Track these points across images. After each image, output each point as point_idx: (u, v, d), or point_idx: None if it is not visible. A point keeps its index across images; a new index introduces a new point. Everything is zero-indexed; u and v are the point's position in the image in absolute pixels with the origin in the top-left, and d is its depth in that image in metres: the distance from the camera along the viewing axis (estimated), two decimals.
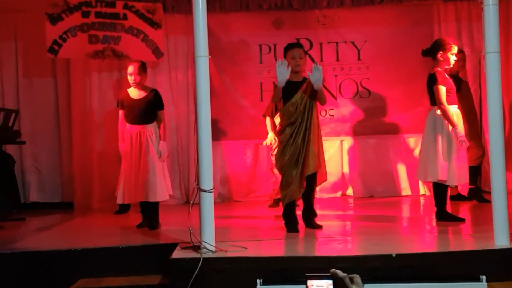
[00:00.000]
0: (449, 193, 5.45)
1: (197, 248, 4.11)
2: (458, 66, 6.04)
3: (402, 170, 7.61)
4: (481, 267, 3.87)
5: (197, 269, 3.84)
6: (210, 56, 4.20)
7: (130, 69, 5.59)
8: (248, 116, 7.60)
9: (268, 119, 6.63)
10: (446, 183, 5.13)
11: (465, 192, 6.59)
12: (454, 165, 5.04)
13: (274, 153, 6.08)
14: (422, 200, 7.25)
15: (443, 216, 5.20)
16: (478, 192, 6.51)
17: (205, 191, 4.13)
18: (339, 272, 1.68)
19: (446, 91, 5.12)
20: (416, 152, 7.42)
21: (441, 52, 5.20)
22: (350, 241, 4.74)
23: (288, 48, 5.17)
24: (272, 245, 4.58)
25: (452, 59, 5.24)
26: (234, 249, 4.16)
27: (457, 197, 6.54)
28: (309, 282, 1.74)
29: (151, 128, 5.58)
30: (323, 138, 5.38)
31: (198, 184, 4.17)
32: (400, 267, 3.89)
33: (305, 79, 5.10)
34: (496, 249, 4.03)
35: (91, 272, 4.41)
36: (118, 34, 6.56)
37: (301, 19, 7.66)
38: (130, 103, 5.63)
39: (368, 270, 3.81)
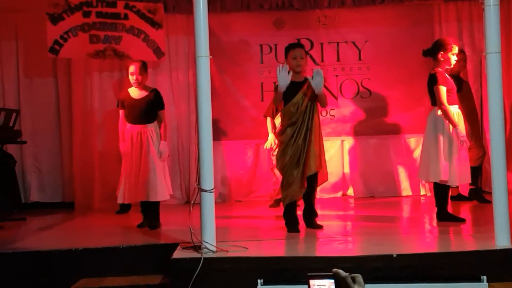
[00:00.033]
0: (449, 194, 5.45)
1: (198, 248, 4.11)
2: (459, 66, 6.04)
3: (402, 170, 7.60)
4: (482, 268, 3.87)
5: (198, 269, 3.84)
6: (211, 56, 4.20)
7: (132, 68, 5.59)
8: (249, 116, 7.60)
9: (268, 120, 6.63)
10: (448, 184, 5.13)
11: (465, 193, 6.59)
12: (455, 165, 5.04)
13: (275, 153, 6.09)
14: (422, 200, 7.25)
15: (443, 216, 5.20)
16: (479, 193, 6.51)
17: (206, 191, 4.14)
18: (341, 271, 1.67)
19: (447, 91, 5.12)
20: (417, 152, 7.43)
21: (441, 52, 5.20)
22: (351, 241, 4.74)
23: (289, 48, 5.16)
24: (273, 245, 4.58)
25: (453, 59, 5.24)
26: (235, 249, 4.16)
27: (458, 198, 6.54)
28: (311, 282, 1.73)
29: (151, 127, 5.58)
30: (324, 138, 5.38)
31: (198, 184, 4.17)
32: (401, 267, 3.89)
33: (306, 79, 5.10)
34: (497, 250, 4.02)
35: (92, 272, 4.41)
36: (119, 34, 6.56)
37: (302, 19, 7.66)
38: (131, 103, 5.63)
39: (369, 270, 3.81)
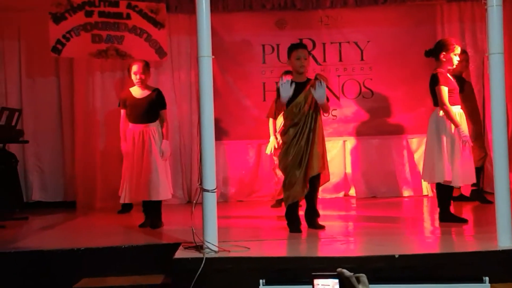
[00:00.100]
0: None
1: (199, 248, 4.11)
2: (461, 67, 6.04)
3: (404, 171, 7.60)
4: (484, 268, 3.86)
5: (200, 269, 3.84)
6: (213, 56, 4.20)
7: (135, 68, 5.60)
8: (251, 116, 7.60)
9: (271, 121, 6.64)
10: (451, 184, 5.12)
11: (467, 193, 6.58)
12: (459, 166, 5.03)
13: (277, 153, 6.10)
14: (424, 200, 7.24)
15: (446, 217, 5.19)
16: (481, 193, 6.51)
17: (208, 191, 4.13)
18: (345, 271, 1.67)
19: (449, 92, 5.12)
20: (419, 153, 7.43)
21: (444, 53, 5.20)
22: (352, 241, 4.74)
23: (292, 48, 5.16)
24: (275, 245, 4.58)
25: (455, 59, 5.23)
26: (237, 249, 4.16)
27: (460, 198, 6.53)
28: (316, 281, 1.73)
29: (153, 127, 5.58)
30: (326, 139, 5.38)
31: (201, 184, 4.17)
32: (403, 267, 3.88)
33: (308, 79, 5.10)
34: (499, 250, 4.01)
35: (93, 271, 4.41)
36: (122, 33, 6.56)
37: (304, 19, 7.66)
38: (133, 102, 5.64)
39: (371, 271, 3.79)
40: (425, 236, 4.99)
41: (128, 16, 6.62)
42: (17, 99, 7.54)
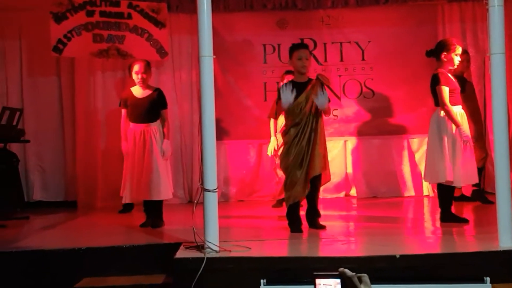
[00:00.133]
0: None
1: (201, 247, 4.11)
2: (462, 67, 6.04)
3: (405, 171, 7.60)
4: (485, 269, 3.86)
5: (201, 269, 3.84)
6: (214, 56, 4.20)
7: (136, 67, 5.61)
8: (252, 116, 7.61)
9: (272, 122, 6.65)
10: (453, 184, 5.12)
11: (468, 193, 6.58)
12: (460, 166, 5.03)
13: (279, 153, 6.10)
14: (425, 201, 7.24)
15: (447, 217, 5.19)
16: (482, 193, 6.51)
17: (209, 191, 4.13)
18: (347, 271, 1.68)
19: (450, 92, 5.12)
20: (420, 153, 7.43)
21: (445, 53, 5.20)
22: (353, 241, 4.74)
23: (294, 48, 5.16)
24: (276, 245, 4.58)
25: (456, 59, 5.23)
26: (238, 249, 4.16)
27: (461, 198, 6.53)
28: (317, 281, 1.74)
29: (155, 126, 5.59)
30: (327, 139, 5.38)
31: (202, 184, 4.17)
32: (404, 268, 3.89)
33: (310, 79, 5.10)
34: (500, 251, 4.01)
35: (94, 271, 4.41)
36: (123, 33, 6.56)
37: (305, 19, 7.66)
38: (134, 102, 5.64)
39: (372, 271, 3.77)
40: (426, 236, 4.99)
41: (129, 16, 6.62)
42: (18, 99, 7.55)
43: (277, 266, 3.95)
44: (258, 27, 7.71)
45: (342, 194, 7.70)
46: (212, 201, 4.15)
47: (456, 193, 6.33)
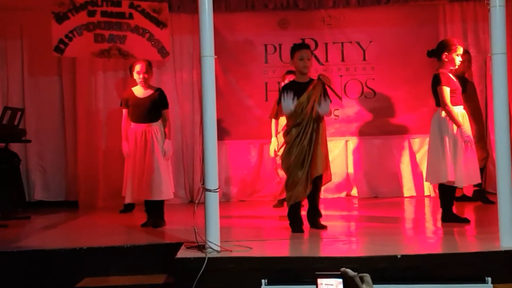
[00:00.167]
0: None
1: (202, 247, 4.11)
2: (463, 67, 6.03)
3: (406, 171, 7.60)
4: (487, 269, 3.86)
5: (202, 269, 3.84)
6: (216, 56, 4.20)
7: (138, 67, 5.61)
8: (253, 116, 7.61)
9: (273, 122, 6.65)
10: (454, 184, 5.11)
11: (469, 193, 6.58)
12: (462, 166, 5.02)
13: (279, 153, 6.11)
14: (426, 201, 7.24)
15: (448, 217, 5.19)
16: (483, 194, 6.50)
17: (210, 191, 4.13)
18: (349, 271, 1.68)
19: (451, 92, 5.11)
20: (421, 153, 7.43)
21: (446, 53, 5.19)
22: (355, 241, 4.74)
23: (295, 49, 5.15)
24: (277, 245, 4.58)
25: (457, 60, 5.23)
26: (239, 249, 4.16)
27: (462, 198, 6.52)
28: (319, 281, 1.74)
29: (156, 126, 5.59)
30: (328, 139, 5.38)
31: (203, 184, 4.17)
32: (405, 268, 3.88)
33: (311, 80, 5.10)
34: (501, 251, 4.00)
35: (96, 271, 4.41)
36: (124, 33, 6.57)
37: (307, 19, 7.66)
38: (135, 102, 5.65)
39: (373, 271, 3.76)
40: (427, 236, 4.98)
41: (131, 16, 6.63)
42: (20, 99, 7.56)
43: (278, 266, 3.94)
44: (259, 27, 7.71)
45: (343, 194, 7.70)
46: (213, 201, 4.15)
47: (457, 193, 6.33)
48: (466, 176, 5.08)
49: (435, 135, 5.16)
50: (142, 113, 5.59)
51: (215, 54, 4.19)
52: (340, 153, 7.69)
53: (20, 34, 7.57)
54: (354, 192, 7.71)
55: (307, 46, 5.33)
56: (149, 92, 5.66)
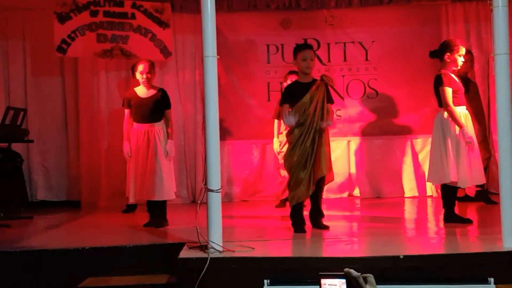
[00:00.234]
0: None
1: (204, 248, 4.11)
2: (466, 67, 6.02)
3: (409, 171, 7.60)
4: (489, 269, 3.85)
5: (204, 269, 3.84)
6: (218, 57, 4.20)
7: (141, 67, 5.61)
8: (255, 116, 7.62)
9: (276, 122, 6.66)
10: (457, 185, 5.11)
11: (472, 194, 6.57)
12: (466, 167, 5.01)
13: (283, 149, 6.11)
14: (429, 201, 7.23)
15: (450, 217, 5.19)
16: (485, 194, 6.50)
17: (212, 191, 4.14)
18: (353, 271, 1.68)
19: (454, 92, 5.11)
20: (423, 153, 7.42)
21: (448, 54, 5.19)
22: (357, 242, 4.73)
23: (298, 49, 5.15)
24: (279, 245, 4.57)
25: (460, 60, 5.22)
26: (241, 249, 4.16)
27: (464, 199, 6.52)
28: (323, 281, 1.74)
29: (159, 126, 5.59)
30: (330, 139, 5.38)
31: (205, 184, 4.17)
32: (407, 268, 3.88)
33: (314, 80, 5.10)
34: (504, 252, 4.00)
35: (98, 270, 4.42)
36: (127, 33, 6.58)
37: (309, 19, 7.66)
38: (138, 102, 5.65)
39: (375, 271, 3.78)
40: (430, 237, 4.99)
41: (133, 16, 6.64)
42: (22, 99, 7.56)
43: (281, 267, 3.95)
44: (262, 27, 7.72)
45: (345, 194, 7.70)
46: (215, 201, 4.15)
47: (460, 194, 6.33)
48: (469, 177, 5.07)
49: (438, 136, 5.15)
50: (145, 113, 5.59)
51: (217, 54, 4.19)
52: (342, 153, 7.68)
53: (22, 34, 7.58)
54: (356, 192, 7.71)
55: (310, 47, 5.33)
56: (152, 92, 5.67)
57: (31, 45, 7.55)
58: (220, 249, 4.09)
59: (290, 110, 5.01)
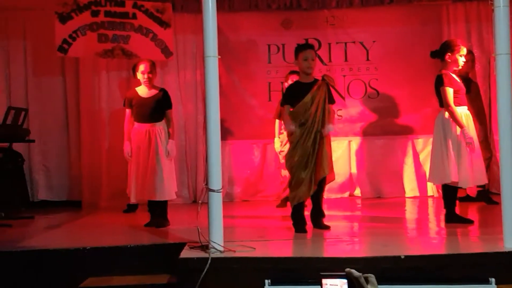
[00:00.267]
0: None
1: (205, 247, 4.11)
2: (467, 67, 6.01)
3: (410, 171, 7.59)
4: (490, 270, 3.85)
5: (205, 269, 3.84)
6: (219, 57, 4.20)
7: (142, 67, 5.61)
8: (256, 116, 7.61)
9: (277, 122, 6.66)
10: (458, 185, 5.10)
11: (473, 194, 6.57)
12: (467, 167, 5.01)
13: (284, 148, 6.11)
14: (430, 201, 7.23)
15: (451, 218, 5.18)
16: (486, 194, 6.50)
17: (213, 191, 4.14)
18: (354, 271, 1.68)
19: (455, 92, 5.11)
20: (424, 153, 7.42)
21: (449, 54, 5.19)
22: (358, 242, 4.74)
23: (300, 49, 5.16)
24: (280, 245, 4.58)
25: (461, 60, 5.22)
26: (242, 249, 4.16)
27: (465, 199, 6.52)
28: (324, 281, 1.74)
29: (160, 126, 5.59)
30: (331, 139, 5.38)
31: (206, 184, 4.17)
32: (408, 268, 3.88)
33: (315, 80, 5.10)
34: (505, 252, 4.00)
35: (99, 270, 4.42)
36: (128, 33, 6.59)
37: (310, 19, 7.66)
38: (139, 102, 5.65)
39: (376, 271, 3.77)
40: (431, 237, 4.99)
41: (134, 16, 6.64)
42: (23, 98, 7.56)
43: (282, 267, 3.95)
44: (263, 27, 7.71)
45: (346, 194, 7.69)
46: (216, 201, 4.15)
47: (461, 194, 6.33)
48: (471, 177, 5.07)
49: (439, 136, 5.15)
50: (146, 113, 5.59)
51: (218, 53, 4.19)
52: (343, 153, 7.68)
53: (23, 34, 7.58)
54: (357, 192, 7.71)
55: (311, 47, 5.33)
56: (153, 92, 5.67)
57: (32, 45, 7.55)
58: (221, 249, 4.09)
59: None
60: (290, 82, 5.94)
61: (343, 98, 7.59)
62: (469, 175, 5.04)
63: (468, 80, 6.13)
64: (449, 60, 5.19)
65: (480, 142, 5.51)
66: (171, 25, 6.85)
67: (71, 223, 6.30)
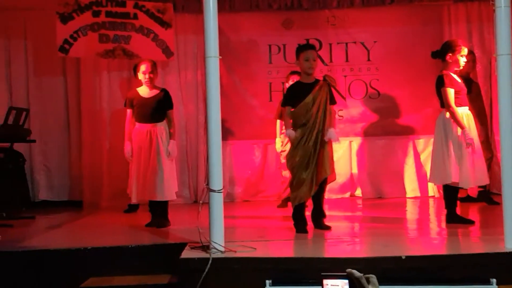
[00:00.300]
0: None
1: (206, 248, 4.11)
2: (468, 67, 6.01)
3: (411, 171, 7.59)
4: (491, 270, 3.85)
5: (206, 269, 3.84)
6: (220, 57, 4.20)
7: (143, 67, 5.62)
8: (257, 116, 7.62)
9: (278, 123, 6.66)
10: (459, 186, 5.10)
11: (474, 194, 6.56)
12: (468, 167, 5.00)
13: (285, 148, 6.11)
14: (431, 201, 7.22)
15: (452, 218, 5.18)
16: (487, 194, 6.49)
17: (214, 191, 4.14)
18: (355, 272, 1.68)
19: (456, 93, 5.10)
20: (425, 153, 7.42)
21: (450, 54, 5.18)
22: (359, 242, 4.73)
23: (301, 49, 5.15)
24: (281, 245, 4.58)
25: (462, 60, 5.22)
26: (243, 250, 4.16)
27: (466, 199, 6.52)
28: (325, 282, 1.74)
29: (161, 127, 5.59)
30: None
31: (207, 184, 4.17)
32: (409, 269, 3.88)
33: (317, 80, 5.10)
34: (506, 252, 3.99)
35: (100, 270, 4.42)
36: (129, 33, 6.59)
37: (311, 19, 7.66)
38: (141, 102, 5.65)
39: (377, 272, 3.78)
40: (432, 237, 4.98)
41: (135, 16, 6.65)
42: (24, 99, 7.57)
43: (283, 267, 3.95)
44: (264, 27, 7.71)
45: (347, 195, 7.69)
46: (217, 201, 4.15)
47: (462, 194, 6.33)
48: (472, 177, 5.07)
49: (440, 136, 5.15)
50: (147, 113, 5.60)
51: (219, 54, 4.19)
52: (344, 153, 7.68)
53: (24, 34, 7.59)
54: (358, 192, 7.70)
55: (312, 47, 5.32)
56: (155, 92, 5.67)
57: (33, 45, 7.56)
58: (222, 249, 4.09)
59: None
60: (291, 82, 5.94)
61: (344, 98, 7.58)
62: (470, 175, 5.03)
63: (469, 81, 6.13)
64: (450, 61, 5.19)
65: (481, 143, 5.50)
66: (172, 25, 6.86)
67: (72, 223, 6.30)
